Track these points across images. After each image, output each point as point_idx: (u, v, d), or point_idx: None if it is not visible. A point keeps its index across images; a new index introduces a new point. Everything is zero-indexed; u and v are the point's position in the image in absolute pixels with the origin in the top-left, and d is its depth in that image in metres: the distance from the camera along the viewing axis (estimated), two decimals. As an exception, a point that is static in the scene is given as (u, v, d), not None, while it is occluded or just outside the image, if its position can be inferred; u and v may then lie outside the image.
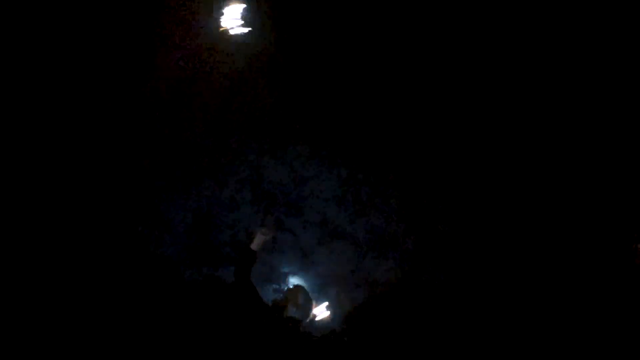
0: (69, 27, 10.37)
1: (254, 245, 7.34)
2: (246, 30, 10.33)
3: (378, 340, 11.93)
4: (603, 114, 12.23)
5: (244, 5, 10.43)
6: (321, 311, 7.92)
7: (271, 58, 11.14)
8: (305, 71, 11.72)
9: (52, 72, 10.28)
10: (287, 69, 11.37)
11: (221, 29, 10.46)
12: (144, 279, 12.77)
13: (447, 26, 11.80)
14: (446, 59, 11.74)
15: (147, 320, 11.50)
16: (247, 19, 10.83)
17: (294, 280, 17.11)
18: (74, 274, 10.92)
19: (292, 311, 7.04)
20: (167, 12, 10.87)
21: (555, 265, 12.70)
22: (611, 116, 12.27)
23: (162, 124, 11.33)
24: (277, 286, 17.28)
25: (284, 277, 16.09)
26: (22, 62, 10.08)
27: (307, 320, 7.35)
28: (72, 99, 10.51)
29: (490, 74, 11.94)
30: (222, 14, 10.37)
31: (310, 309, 7.22)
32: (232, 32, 10.25)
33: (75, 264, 11.00)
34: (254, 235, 7.45)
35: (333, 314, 10.05)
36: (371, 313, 12.82)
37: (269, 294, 16.15)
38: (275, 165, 12.27)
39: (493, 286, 12.59)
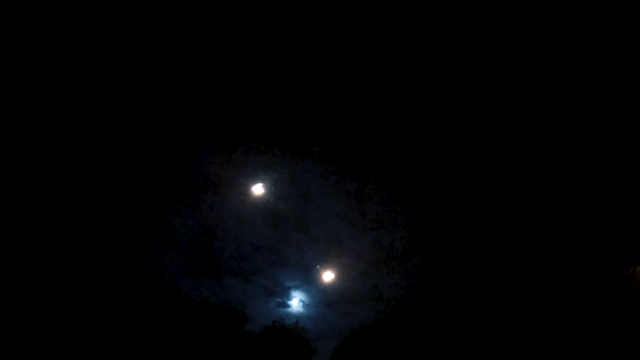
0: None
1: None
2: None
3: (386, 355, 11.75)
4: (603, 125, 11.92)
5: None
6: None
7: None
8: (309, 86, 11.70)
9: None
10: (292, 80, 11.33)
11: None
12: (142, 294, 12.55)
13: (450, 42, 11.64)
14: (449, 80, 11.67)
15: (142, 335, 11.29)
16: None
17: (297, 295, 16.71)
18: (74, 284, 10.79)
19: None
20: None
21: (557, 285, 12.53)
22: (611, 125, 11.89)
23: (168, 135, 11.32)
24: (281, 300, 16.97)
25: (288, 292, 15.80)
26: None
27: None
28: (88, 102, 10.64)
29: (493, 89, 11.83)
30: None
31: None
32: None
33: (76, 274, 10.88)
34: None
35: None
36: (378, 329, 12.64)
37: (272, 308, 15.86)
38: (282, 180, 12.28)
39: (497, 302, 12.44)
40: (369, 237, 12.39)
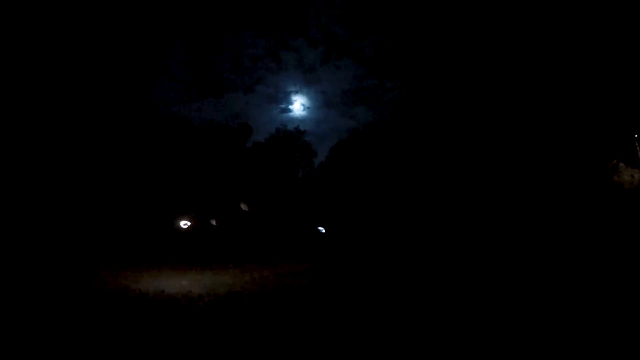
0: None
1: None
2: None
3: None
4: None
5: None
6: None
7: None
8: None
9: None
10: None
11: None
12: (152, 134, 13.30)
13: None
14: None
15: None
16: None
17: (298, 98, 18.35)
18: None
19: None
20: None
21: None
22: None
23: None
24: (283, 106, 18.78)
25: (290, 97, 17.34)
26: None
27: None
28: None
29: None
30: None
31: None
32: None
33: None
34: None
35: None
36: (376, 130, 13.98)
37: (275, 115, 17.86)
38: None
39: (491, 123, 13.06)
40: (369, 39, 12.61)
